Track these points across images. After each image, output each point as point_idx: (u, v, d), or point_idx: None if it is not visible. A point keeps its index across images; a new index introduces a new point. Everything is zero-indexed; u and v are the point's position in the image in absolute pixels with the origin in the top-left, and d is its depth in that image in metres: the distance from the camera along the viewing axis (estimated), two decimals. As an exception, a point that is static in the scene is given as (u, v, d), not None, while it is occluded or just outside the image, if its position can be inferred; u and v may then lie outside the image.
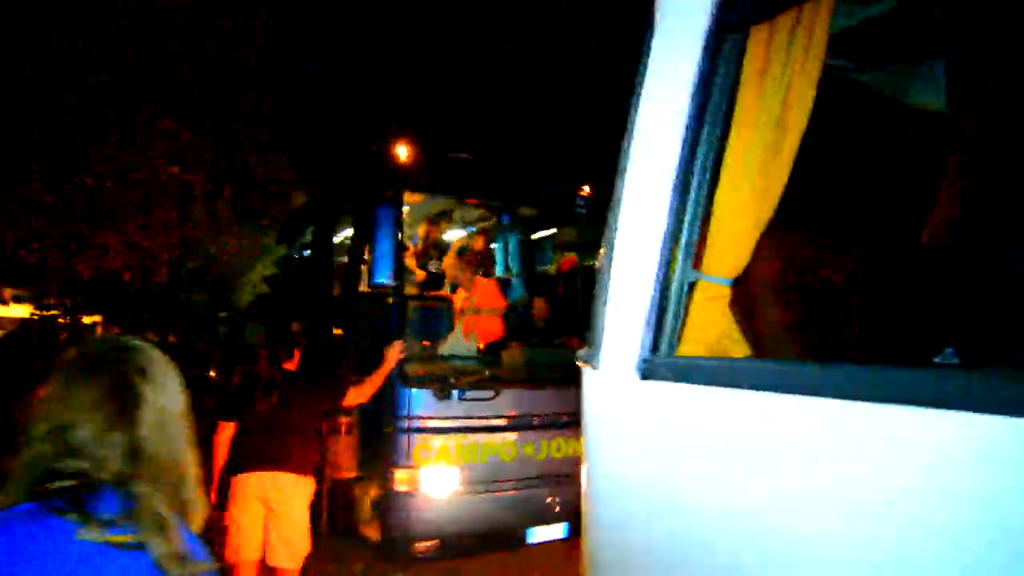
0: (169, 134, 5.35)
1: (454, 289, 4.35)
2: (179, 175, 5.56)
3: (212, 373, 6.70)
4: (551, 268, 5.24)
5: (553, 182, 4.52)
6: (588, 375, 1.32)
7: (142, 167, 5.35)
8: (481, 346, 3.98)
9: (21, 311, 9.47)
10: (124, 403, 0.79)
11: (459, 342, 4.01)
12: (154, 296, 6.21)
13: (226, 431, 2.79)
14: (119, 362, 0.82)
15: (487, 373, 3.73)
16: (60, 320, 7.83)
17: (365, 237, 3.80)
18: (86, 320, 8.49)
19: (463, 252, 4.45)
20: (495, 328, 4.06)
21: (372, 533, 3.51)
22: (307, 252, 5.30)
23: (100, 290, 6.35)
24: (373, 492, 3.55)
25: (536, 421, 3.66)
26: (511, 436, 3.60)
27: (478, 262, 4.28)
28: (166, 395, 0.83)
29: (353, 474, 3.66)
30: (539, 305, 4.75)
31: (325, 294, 4.54)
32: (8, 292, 7.72)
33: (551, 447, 3.66)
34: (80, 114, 4.88)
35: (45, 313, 8.36)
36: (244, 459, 2.73)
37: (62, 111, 4.79)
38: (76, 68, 4.77)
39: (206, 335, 8.76)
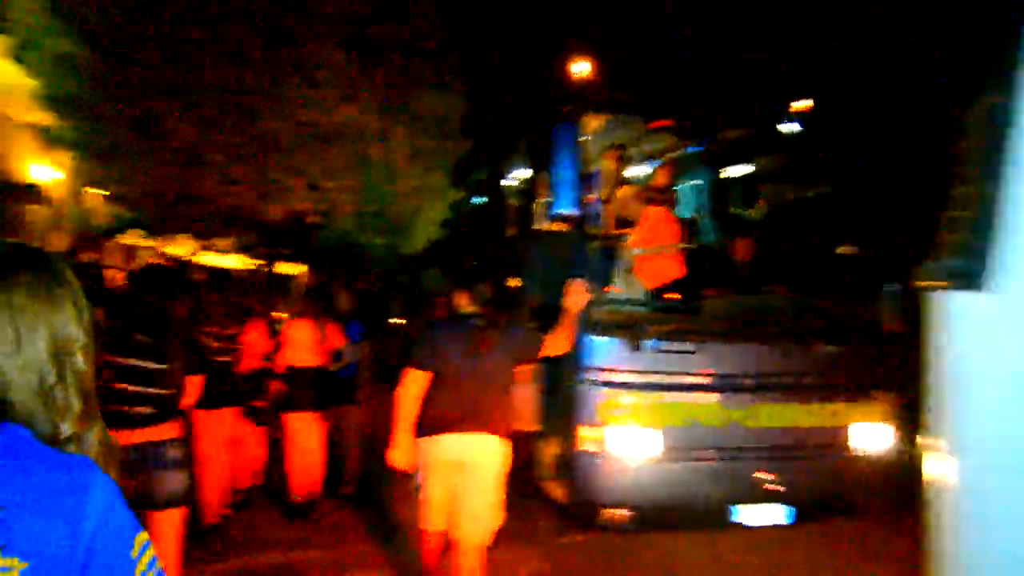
0: (341, 72, 5.36)
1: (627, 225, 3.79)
2: (354, 116, 5.59)
3: (397, 320, 6.85)
4: (753, 210, 4.44)
5: (756, 98, 3.76)
6: (963, 301, 1.01)
7: (317, 109, 5.44)
8: (650, 288, 3.42)
9: (234, 262, 10.64)
10: None
11: (633, 285, 3.50)
12: (338, 239, 6.44)
13: (416, 383, 2.50)
14: None
15: (686, 323, 3.19)
16: (265, 269, 8.60)
17: (544, 167, 3.41)
18: (287, 269, 9.26)
19: (640, 184, 3.88)
20: (670, 268, 3.45)
21: (556, 493, 3.21)
22: (482, 194, 5.11)
23: (291, 234, 6.73)
24: (556, 449, 3.24)
25: (747, 383, 3.06)
26: (716, 398, 3.04)
27: (654, 194, 3.68)
28: None
29: (534, 428, 3.37)
30: (740, 247, 4.03)
31: (500, 236, 4.27)
32: (221, 243, 8.49)
33: (767, 414, 3.04)
34: (261, 57, 5.02)
35: (253, 264, 9.10)
36: (439, 419, 2.45)
37: (242, 58, 4.98)
38: (253, 13, 4.92)
39: (385, 281, 9.15)
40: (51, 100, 5.46)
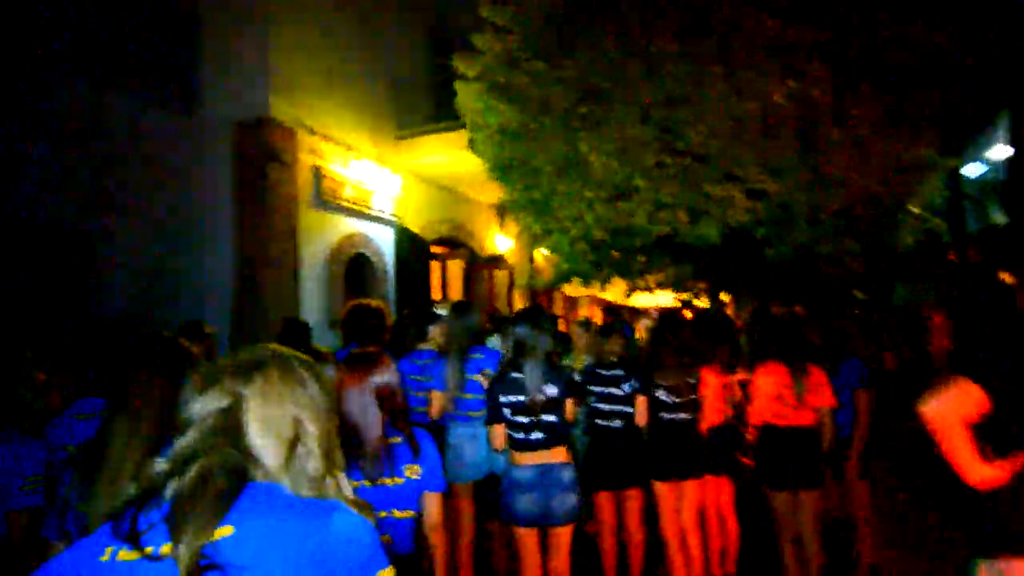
0: (777, 41, 4.17)
1: None
2: (799, 88, 4.28)
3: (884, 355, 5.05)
4: None
5: None
6: None
7: (751, 95, 4.34)
8: None
9: (666, 299, 10.24)
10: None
11: None
12: (791, 254, 5.08)
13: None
14: None
15: None
16: (699, 304, 7.79)
17: None
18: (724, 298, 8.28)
19: None
20: None
21: None
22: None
23: (729, 257, 5.68)
24: None
25: None
26: None
27: None
28: None
29: None
30: None
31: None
32: (652, 280, 8.00)
33: None
34: (678, 56, 4.24)
35: (682, 296, 8.39)
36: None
37: (658, 65, 4.29)
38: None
39: (844, 299, 7.19)
40: (499, 170, 5.76)
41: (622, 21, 4.92)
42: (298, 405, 0.94)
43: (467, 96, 6.09)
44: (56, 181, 6.89)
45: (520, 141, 5.51)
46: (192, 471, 0.84)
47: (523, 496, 2.95)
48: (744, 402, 4.16)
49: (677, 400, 3.66)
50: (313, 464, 0.93)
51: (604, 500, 4.11)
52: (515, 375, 3.09)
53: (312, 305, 7.26)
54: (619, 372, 3.91)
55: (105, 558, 0.80)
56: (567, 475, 2.99)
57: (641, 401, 3.68)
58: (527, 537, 3.00)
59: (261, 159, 6.73)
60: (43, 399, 2.47)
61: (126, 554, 0.80)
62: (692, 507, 3.76)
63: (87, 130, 6.90)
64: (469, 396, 3.80)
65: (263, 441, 0.90)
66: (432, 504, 2.00)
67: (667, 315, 3.97)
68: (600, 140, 4.98)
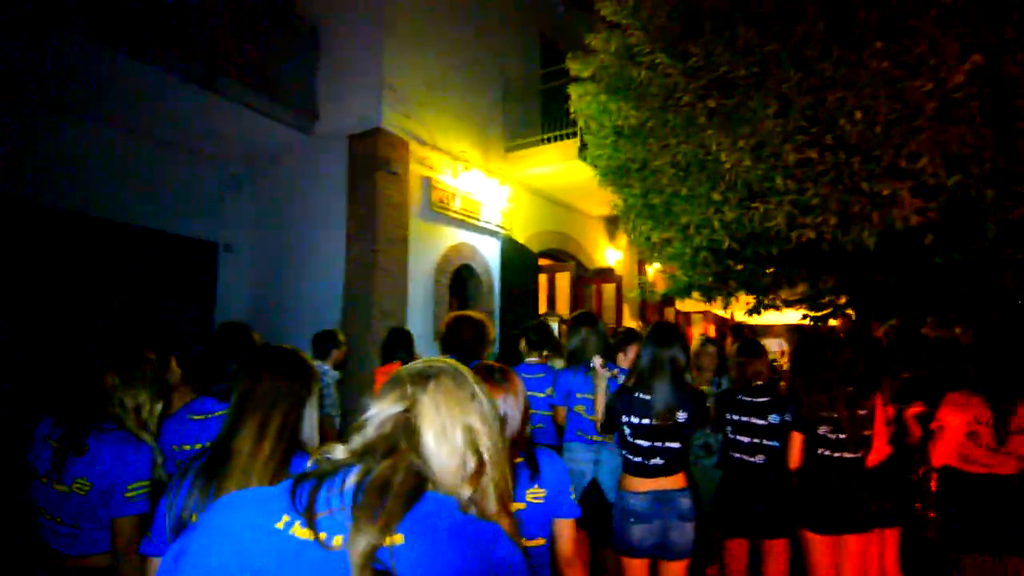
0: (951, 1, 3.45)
1: None
2: (986, 63, 3.49)
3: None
4: None
5: None
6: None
7: (924, 70, 3.61)
8: None
9: (794, 317, 9.23)
10: None
11: None
12: (973, 257, 4.23)
13: None
14: None
15: None
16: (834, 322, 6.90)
17: None
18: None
19: None
20: None
21: None
22: None
23: (888, 265, 4.86)
24: None
25: None
26: None
27: None
28: None
29: None
30: None
31: None
32: (784, 294, 7.21)
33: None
34: (823, 32, 3.62)
35: (815, 314, 7.52)
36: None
37: (807, 46, 3.69)
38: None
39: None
40: (612, 174, 5.35)
41: (757, 1, 4.38)
42: (471, 415, 0.94)
43: (581, 100, 5.74)
44: (186, 196, 7.36)
45: (638, 141, 5.06)
46: (378, 468, 0.84)
47: (638, 526, 2.69)
48: (914, 440, 3.44)
49: (842, 437, 3.04)
50: (485, 479, 0.92)
51: (737, 548, 3.53)
52: (642, 396, 2.71)
53: (418, 316, 7.18)
54: (766, 399, 3.36)
55: (280, 525, 0.78)
56: (686, 503, 2.75)
57: (797, 439, 3.09)
58: (639, 570, 2.74)
59: (372, 169, 6.78)
60: (165, 399, 2.44)
61: (301, 530, 0.78)
62: (854, 567, 3.10)
63: (213, 145, 7.33)
64: (584, 413, 3.42)
65: (438, 448, 0.89)
66: (563, 533, 1.81)
67: (816, 334, 3.36)
68: (732, 135, 4.43)
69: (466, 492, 0.89)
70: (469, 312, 3.59)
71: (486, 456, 0.92)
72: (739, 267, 5.64)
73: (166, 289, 7.09)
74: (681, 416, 2.75)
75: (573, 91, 5.89)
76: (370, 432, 0.89)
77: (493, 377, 1.75)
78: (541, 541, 1.77)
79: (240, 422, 1.51)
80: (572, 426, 3.43)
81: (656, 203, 4.97)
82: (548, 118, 8.87)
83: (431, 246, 7.53)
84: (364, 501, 0.79)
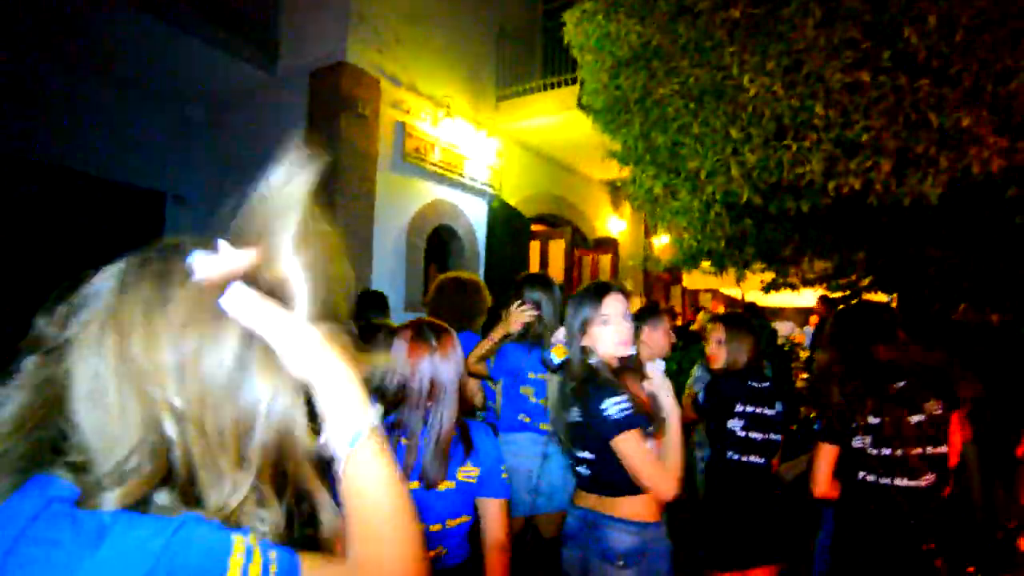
0: None
1: None
2: None
3: None
4: None
5: None
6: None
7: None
8: None
9: (809, 298, 8.27)
10: None
11: None
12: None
13: None
14: None
15: None
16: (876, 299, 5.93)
17: None
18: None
19: None
20: None
21: None
22: None
23: (954, 225, 3.90)
24: None
25: None
26: None
27: None
28: None
29: None
30: None
31: None
32: (795, 271, 6.28)
33: None
34: None
35: (836, 295, 6.63)
36: None
37: None
38: None
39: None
40: (609, 111, 4.37)
41: None
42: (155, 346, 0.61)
43: (578, 29, 4.74)
44: (133, 141, 6.48)
45: (640, 66, 4.09)
46: None
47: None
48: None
49: (892, 453, 2.12)
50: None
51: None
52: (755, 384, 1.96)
53: (386, 283, 6.30)
54: (767, 383, 2.62)
55: None
56: None
57: (827, 452, 2.18)
58: None
59: (335, 109, 5.84)
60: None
61: None
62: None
63: (164, 84, 6.42)
64: (533, 397, 2.59)
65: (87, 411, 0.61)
66: (494, 514, 1.68)
67: (866, 304, 2.44)
68: (759, 54, 3.45)
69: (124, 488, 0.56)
70: (461, 273, 3.09)
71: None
72: (761, 229, 4.68)
73: (103, 244, 6.25)
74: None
75: (569, 17, 4.89)
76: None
77: (422, 334, 1.64)
78: (466, 519, 1.67)
79: None
80: (513, 411, 2.56)
81: (660, 143, 4.01)
82: (548, 67, 7.85)
83: (404, 202, 6.60)
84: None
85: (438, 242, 7.23)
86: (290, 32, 6.36)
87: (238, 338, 0.60)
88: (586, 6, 4.63)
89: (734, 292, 13.25)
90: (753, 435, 2.58)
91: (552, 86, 7.55)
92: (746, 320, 2.89)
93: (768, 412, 2.61)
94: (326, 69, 5.95)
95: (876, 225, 4.27)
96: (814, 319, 7.99)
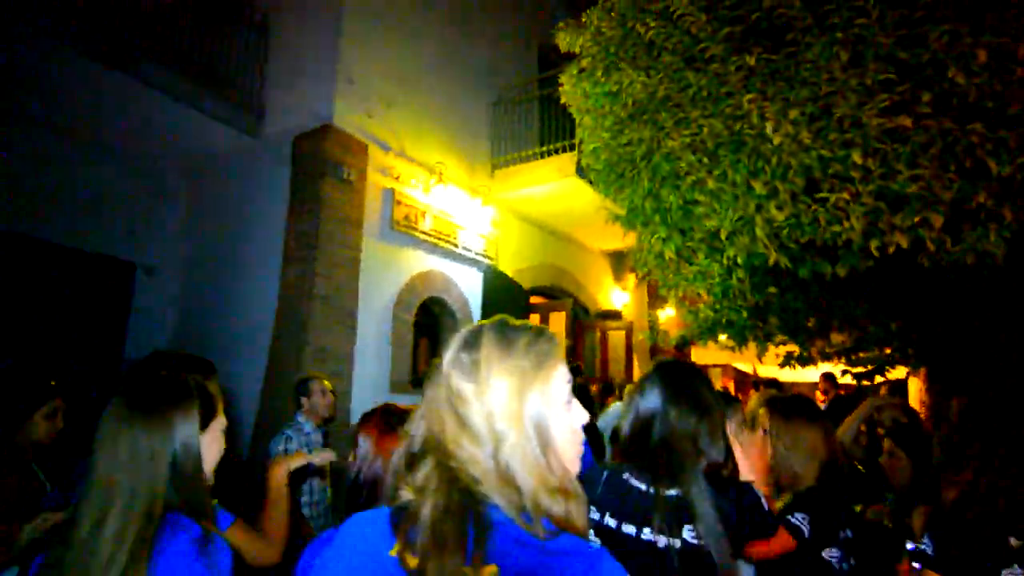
0: None
1: None
2: None
3: None
4: None
5: None
6: None
7: None
8: None
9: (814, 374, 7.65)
10: None
11: None
12: None
13: None
14: None
15: None
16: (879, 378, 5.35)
17: None
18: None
19: None
20: None
21: None
22: None
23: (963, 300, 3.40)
24: None
25: None
26: None
27: None
28: None
29: None
30: None
31: None
32: (820, 343, 5.71)
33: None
34: None
35: (857, 370, 6.00)
36: None
37: None
38: None
39: None
40: (611, 170, 3.98)
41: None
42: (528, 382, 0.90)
43: (575, 89, 4.45)
44: (106, 208, 6.11)
45: (647, 120, 3.72)
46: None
47: None
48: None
49: None
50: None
51: None
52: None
53: (371, 360, 5.72)
54: None
55: (394, 553, 0.76)
56: None
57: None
58: None
59: (319, 173, 5.49)
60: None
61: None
62: None
63: (139, 148, 6.13)
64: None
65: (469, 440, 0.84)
66: None
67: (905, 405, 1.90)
68: (781, 101, 3.07)
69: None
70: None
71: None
72: (784, 297, 4.17)
73: (66, 315, 5.74)
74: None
75: (566, 78, 4.61)
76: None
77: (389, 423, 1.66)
78: None
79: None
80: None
81: (671, 200, 3.57)
82: (546, 134, 7.63)
83: (391, 273, 6.14)
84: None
85: (428, 317, 6.72)
86: (275, 94, 6.13)
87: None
88: (583, 63, 4.34)
89: (745, 367, 12.59)
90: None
91: (549, 153, 7.28)
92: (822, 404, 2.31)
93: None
94: (311, 132, 5.65)
95: (922, 291, 3.76)
96: (820, 396, 7.37)
